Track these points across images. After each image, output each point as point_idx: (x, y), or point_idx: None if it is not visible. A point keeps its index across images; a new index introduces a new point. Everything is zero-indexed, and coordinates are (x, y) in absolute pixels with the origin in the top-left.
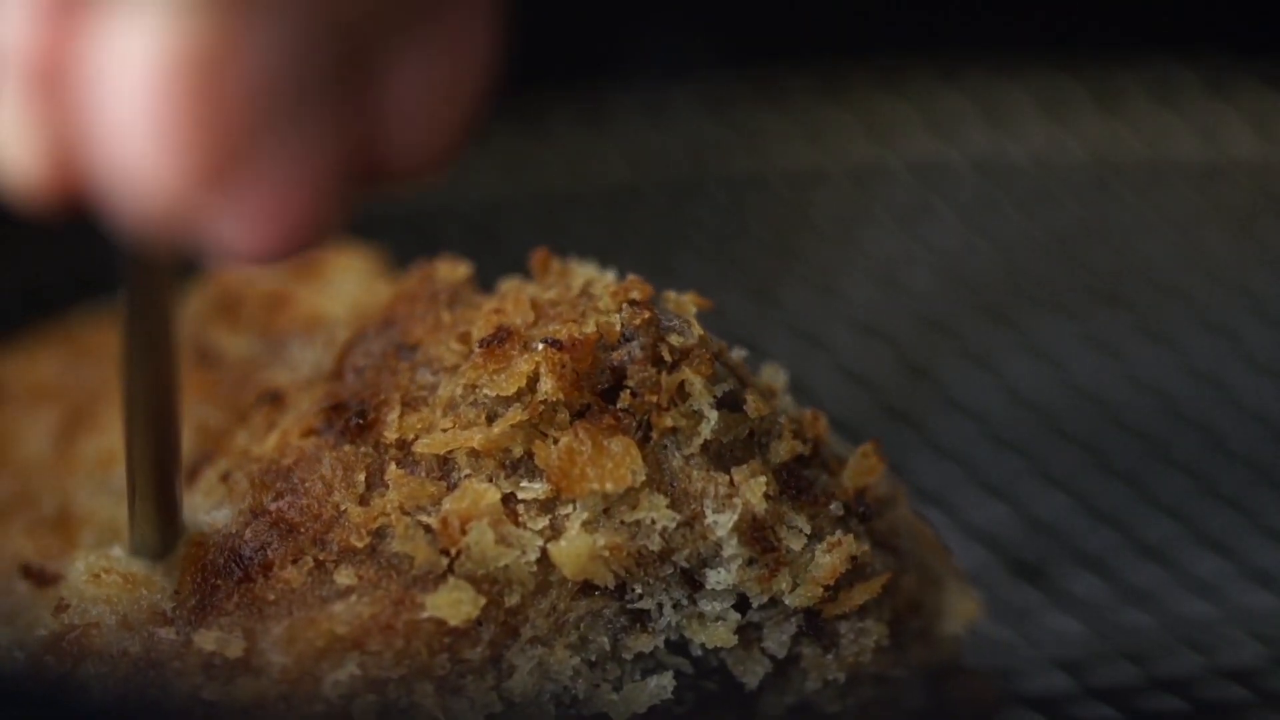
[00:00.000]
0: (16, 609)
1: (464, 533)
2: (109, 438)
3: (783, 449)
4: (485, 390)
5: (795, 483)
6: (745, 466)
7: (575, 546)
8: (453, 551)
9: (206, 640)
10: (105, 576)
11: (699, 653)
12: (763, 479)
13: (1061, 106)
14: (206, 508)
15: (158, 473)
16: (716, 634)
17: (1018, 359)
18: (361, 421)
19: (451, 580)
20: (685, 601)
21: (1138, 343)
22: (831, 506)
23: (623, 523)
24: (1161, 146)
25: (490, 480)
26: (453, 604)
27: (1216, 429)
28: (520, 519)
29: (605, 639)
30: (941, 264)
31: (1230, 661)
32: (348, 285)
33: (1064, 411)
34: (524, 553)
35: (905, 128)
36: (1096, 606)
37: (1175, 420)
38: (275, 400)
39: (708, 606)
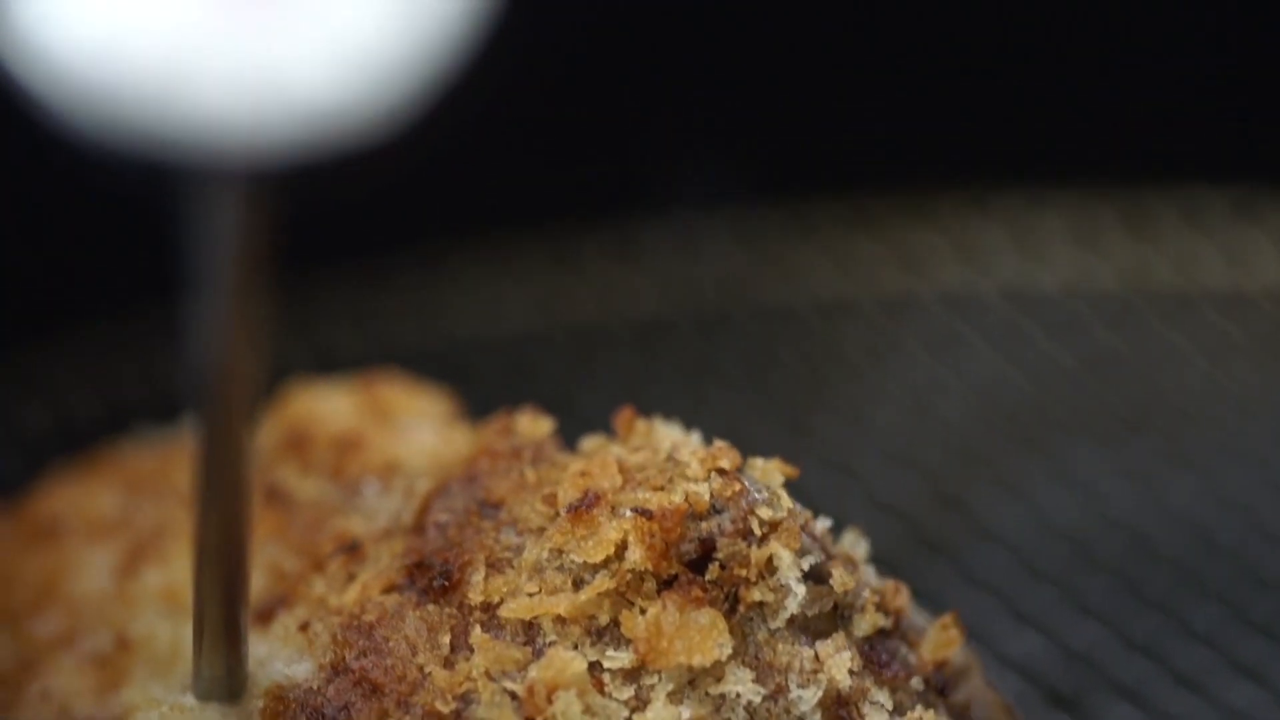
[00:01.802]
0: None
1: (550, 701)
2: (173, 571)
3: (866, 622)
4: (572, 556)
5: (877, 656)
6: (830, 641)
7: (660, 719)
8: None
9: None
10: None
11: None
12: (847, 654)
13: (1092, 232)
14: (285, 657)
15: (227, 612)
16: None
17: (1049, 487)
18: (446, 582)
19: None
20: None
21: (1169, 471)
22: (912, 681)
23: (707, 694)
24: (1191, 272)
25: (575, 647)
26: None
27: (1248, 557)
28: (605, 688)
29: None
30: (972, 393)
31: None
32: (422, 431)
33: (1096, 540)
34: None
35: (935, 257)
36: None
37: (1207, 548)
38: (353, 550)
39: None
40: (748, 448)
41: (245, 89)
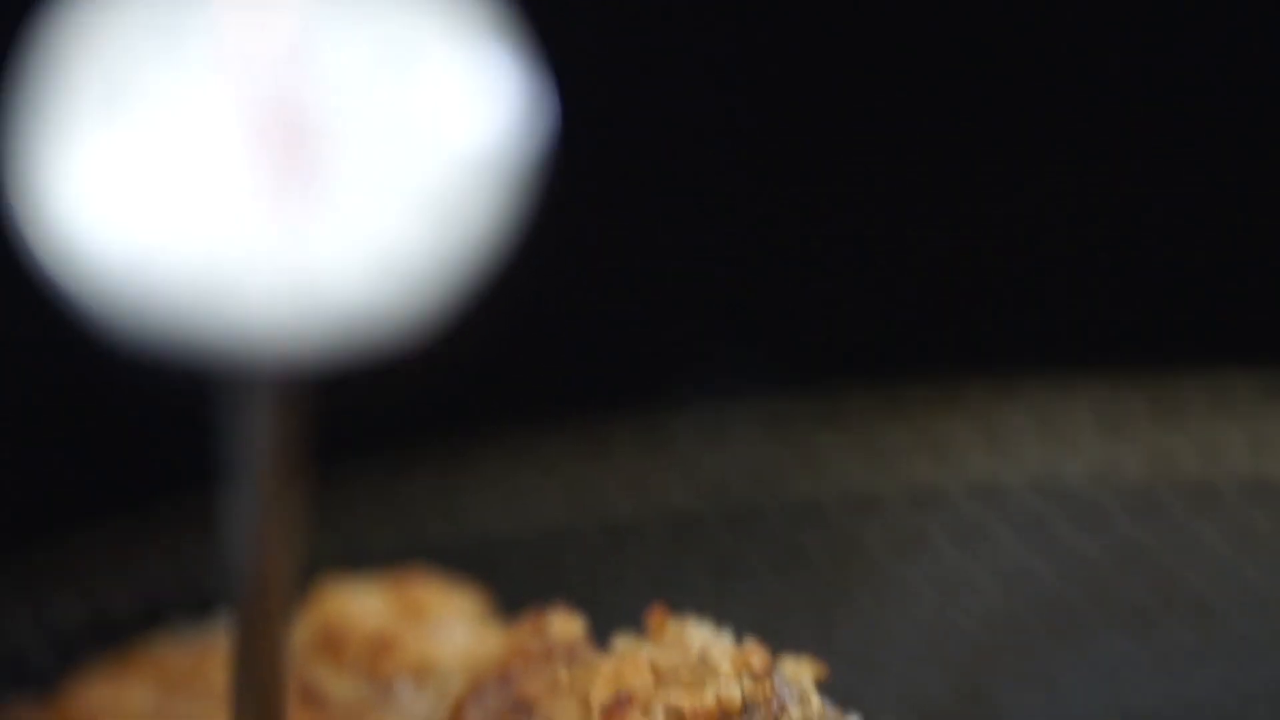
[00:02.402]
0: None
1: None
2: None
3: None
4: None
5: None
6: None
7: None
8: None
9: None
10: None
11: None
12: None
13: (1119, 419)
14: None
15: None
16: None
17: (1074, 679)
18: None
19: None
20: None
21: (1193, 662)
22: None
23: None
24: (1217, 459)
25: None
26: None
27: None
28: None
29: None
30: (998, 585)
31: None
32: (456, 630)
33: None
34: None
35: (963, 447)
36: None
37: None
38: None
39: None
40: (776, 642)
41: (280, 294)
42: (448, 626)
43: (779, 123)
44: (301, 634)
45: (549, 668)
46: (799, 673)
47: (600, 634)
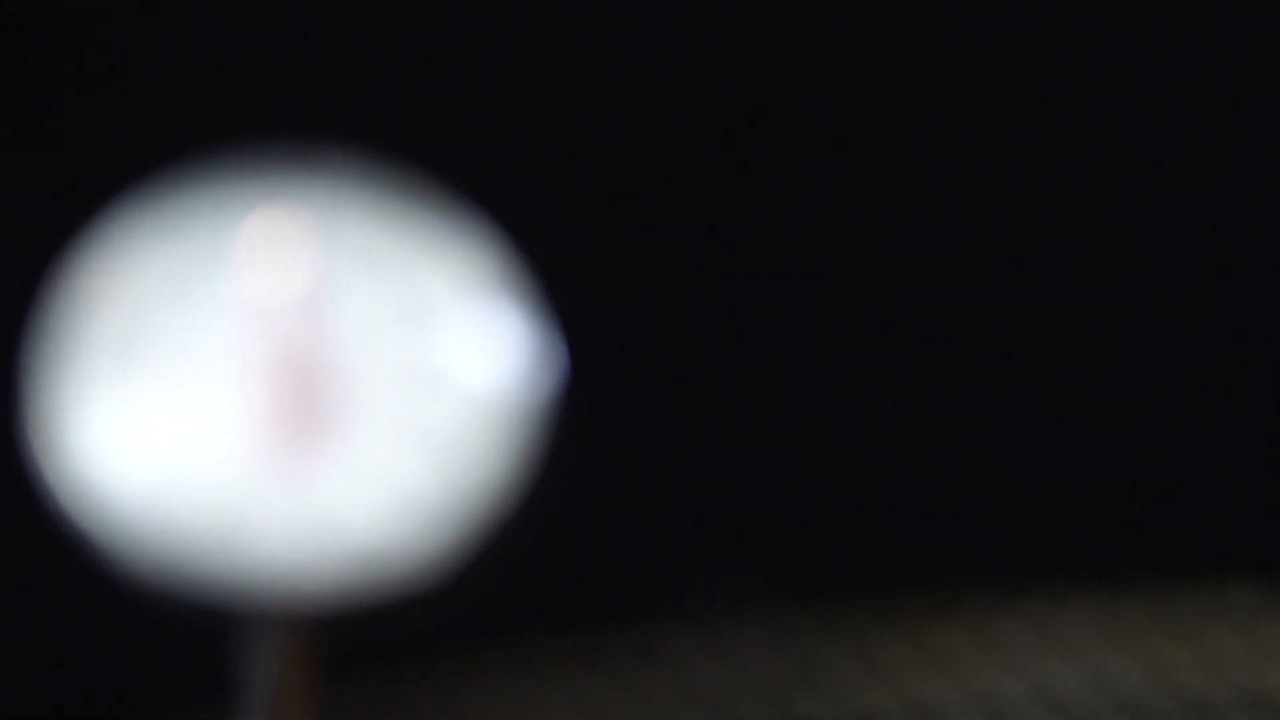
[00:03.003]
0: None
1: None
2: None
3: None
4: None
5: None
6: None
7: None
8: None
9: None
10: None
11: None
12: None
13: (1117, 629)
14: None
15: None
16: None
17: None
18: None
19: None
20: None
21: None
22: None
23: None
24: (1217, 668)
25: None
26: None
27: None
28: None
29: None
30: None
31: None
32: None
33: None
34: None
35: (964, 658)
36: None
37: None
38: None
39: None
40: None
41: (294, 534)
42: None
43: (768, 348)
44: None
45: None
46: None
47: None
